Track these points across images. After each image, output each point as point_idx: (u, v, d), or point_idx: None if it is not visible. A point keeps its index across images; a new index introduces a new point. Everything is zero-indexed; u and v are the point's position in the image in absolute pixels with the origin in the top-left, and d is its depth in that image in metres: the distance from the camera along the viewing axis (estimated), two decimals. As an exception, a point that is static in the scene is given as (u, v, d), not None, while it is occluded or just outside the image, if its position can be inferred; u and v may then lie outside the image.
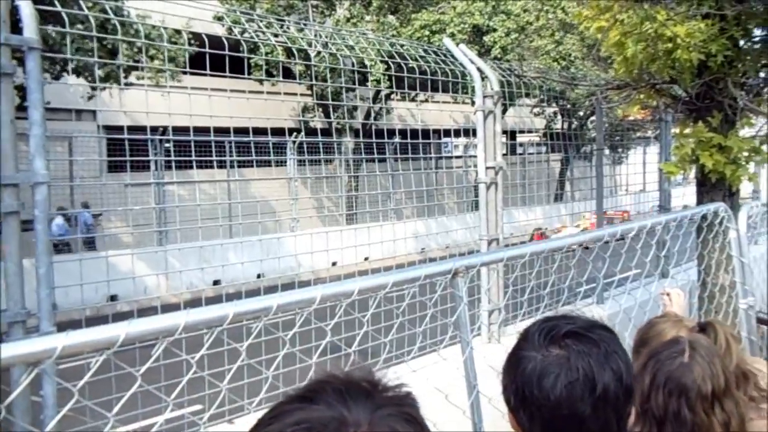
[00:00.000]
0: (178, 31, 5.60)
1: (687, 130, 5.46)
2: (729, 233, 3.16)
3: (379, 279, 1.69)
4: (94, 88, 13.57)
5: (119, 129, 5.14)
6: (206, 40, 4.65)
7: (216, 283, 9.22)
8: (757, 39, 5.33)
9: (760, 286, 3.82)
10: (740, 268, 3.07)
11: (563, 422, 1.23)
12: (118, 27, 4.16)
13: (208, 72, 4.56)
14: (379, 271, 2.00)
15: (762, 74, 5.50)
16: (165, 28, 4.92)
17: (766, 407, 2.10)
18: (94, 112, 16.89)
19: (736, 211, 3.51)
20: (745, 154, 5.21)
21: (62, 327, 1.70)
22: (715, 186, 5.42)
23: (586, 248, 2.72)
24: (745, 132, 5.47)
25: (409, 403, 0.85)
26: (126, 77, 13.33)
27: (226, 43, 4.64)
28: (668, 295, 2.65)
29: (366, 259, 8.19)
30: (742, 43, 5.27)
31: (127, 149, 4.58)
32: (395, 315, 2.79)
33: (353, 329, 2.85)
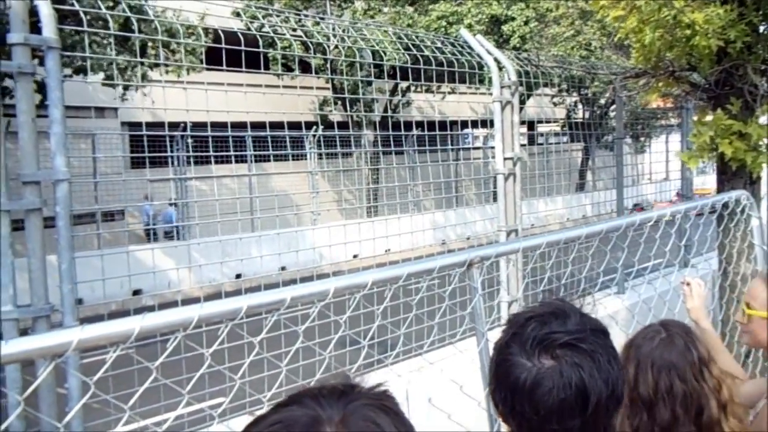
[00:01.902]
0: (194, 27, 5.65)
1: (707, 118, 5.40)
2: (751, 221, 3.11)
3: (393, 271, 1.70)
4: (125, 88, 13.74)
5: (141, 126, 5.21)
6: (222, 35, 4.68)
7: (238, 276, 9.29)
8: (777, 24, 5.25)
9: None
10: (762, 256, 3.04)
11: None
12: (135, 24, 4.20)
13: (225, 67, 4.60)
14: (398, 263, 2.00)
15: (783, 59, 5.41)
16: (182, 25, 4.96)
17: None
18: (116, 109, 17.06)
19: (758, 200, 3.47)
20: (766, 141, 5.13)
21: (87, 321, 1.73)
22: (735, 174, 5.35)
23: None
24: (766, 119, 5.38)
25: (386, 397, 0.86)
26: (149, 71, 13.47)
27: (242, 38, 4.66)
28: (689, 284, 2.63)
29: (387, 251, 8.21)
30: (762, 28, 5.19)
31: (146, 145, 4.63)
32: (412, 307, 2.79)
33: (372, 321, 2.86)
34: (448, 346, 4.21)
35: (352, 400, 0.82)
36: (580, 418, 1.21)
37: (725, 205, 3.22)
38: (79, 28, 4.18)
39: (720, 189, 5.57)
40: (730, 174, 5.44)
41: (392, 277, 1.69)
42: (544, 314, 1.33)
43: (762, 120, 5.30)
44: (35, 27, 3.43)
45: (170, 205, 16.34)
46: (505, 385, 1.28)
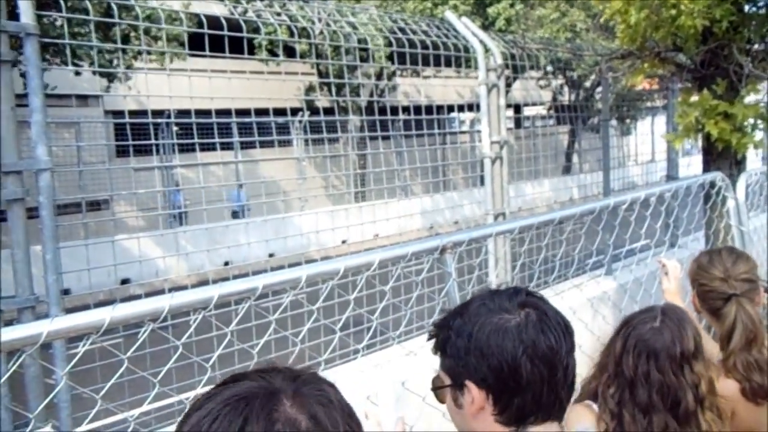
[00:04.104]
0: (176, 12, 5.59)
1: (692, 98, 5.41)
2: (727, 202, 3.13)
3: (365, 257, 1.69)
4: (105, 76, 13.67)
5: (125, 114, 5.18)
6: (205, 21, 4.63)
7: (226, 264, 9.25)
8: (762, 4, 5.24)
9: (761, 256, 3.80)
10: (739, 236, 3.05)
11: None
12: (116, 10, 4.15)
13: (208, 53, 4.55)
14: (386, 247, 2.00)
15: (768, 39, 5.42)
16: (164, 11, 4.91)
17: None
18: (98, 97, 16.92)
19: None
20: (751, 121, 5.15)
21: (75, 311, 1.72)
22: (721, 155, 5.37)
23: None
24: (751, 99, 5.39)
25: (328, 383, 0.89)
26: (134, 59, 13.38)
27: (225, 24, 4.62)
28: (664, 266, 2.65)
29: (376, 236, 8.20)
30: (746, 8, 5.18)
31: (129, 134, 4.59)
32: (390, 295, 2.79)
33: (352, 310, 2.86)
34: (424, 333, 4.20)
35: (299, 377, 0.86)
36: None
37: (702, 187, 3.25)
38: (59, 14, 4.13)
39: (706, 170, 5.58)
40: (716, 155, 5.46)
41: (364, 264, 1.68)
42: None
43: (747, 100, 5.32)
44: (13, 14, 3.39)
45: (238, 186, 17.41)
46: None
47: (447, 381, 1.41)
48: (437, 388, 1.45)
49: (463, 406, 1.36)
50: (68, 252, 4.30)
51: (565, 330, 1.35)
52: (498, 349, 1.31)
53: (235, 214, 17.29)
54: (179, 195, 17.42)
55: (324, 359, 2.57)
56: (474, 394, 1.33)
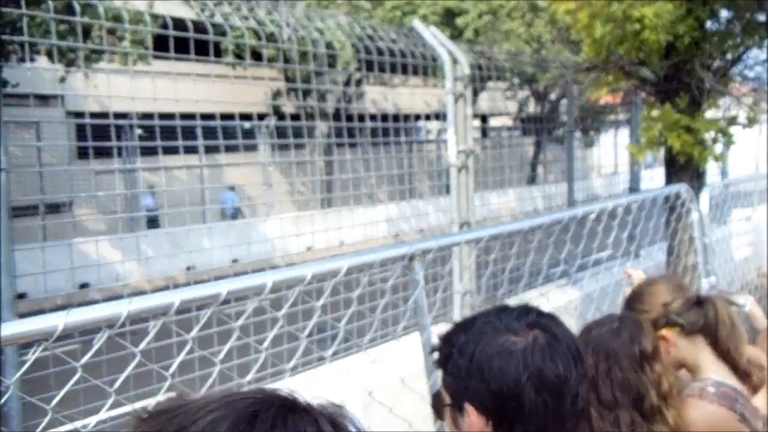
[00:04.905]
0: (141, 13, 5.50)
1: (655, 112, 5.50)
2: (691, 214, 3.18)
3: (333, 264, 1.65)
4: (67, 64, 13.44)
5: (90, 115, 5.07)
6: (170, 23, 4.56)
7: (188, 269, 9.10)
8: (723, 20, 5.36)
9: (723, 267, 3.87)
10: (702, 248, 3.10)
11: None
12: (77, 8, 4.07)
13: (173, 54, 4.48)
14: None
15: (728, 55, 5.54)
16: (128, 11, 4.83)
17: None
18: (58, 96, 16.57)
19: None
20: (712, 135, 5.26)
21: (30, 316, 1.66)
22: (683, 167, 5.46)
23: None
24: (713, 113, 5.51)
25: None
26: (95, 60, 13.15)
27: (191, 26, 4.55)
28: (630, 276, 2.68)
29: (341, 243, 8.16)
30: (708, 24, 5.30)
31: (90, 135, 4.49)
32: (356, 302, 2.76)
33: (315, 317, 2.82)
34: (391, 341, 4.17)
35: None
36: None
37: (666, 199, 3.31)
38: (19, 11, 4.03)
39: (668, 182, 5.68)
40: (678, 167, 5.55)
41: (332, 270, 1.65)
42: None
43: (708, 115, 5.43)
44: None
45: (230, 189, 17.56)
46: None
47: (447, 399, 1.31)
48: (437, 407, 1.36)
49: (462, 429, 1.27)
50: (26, 255, 4.18)
51: (576, 356, 1.25)
52: (500, 374, 1.21)
53: (233, 218, 17.41)
54: (150, 198, 17.10)
55: (288, 367, 2.53)
56: (473, 418, 1.24)
